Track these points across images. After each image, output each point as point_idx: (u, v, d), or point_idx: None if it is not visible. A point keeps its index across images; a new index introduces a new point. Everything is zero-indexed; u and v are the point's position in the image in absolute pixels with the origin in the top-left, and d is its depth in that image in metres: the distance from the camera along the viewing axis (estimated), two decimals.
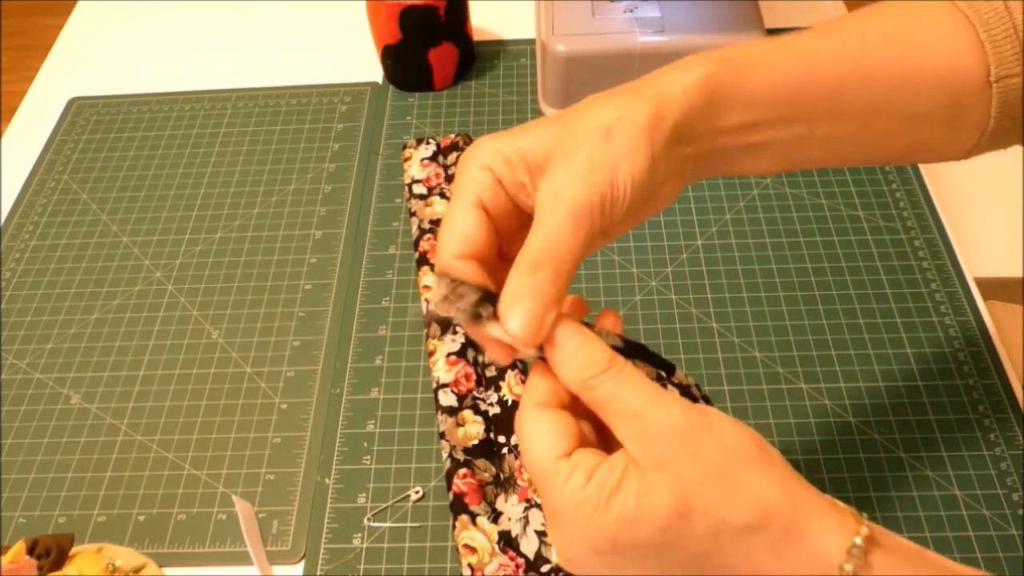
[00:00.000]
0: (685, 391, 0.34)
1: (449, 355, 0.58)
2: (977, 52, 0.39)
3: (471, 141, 0.72)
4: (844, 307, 0.62)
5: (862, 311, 0.61)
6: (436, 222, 0.67)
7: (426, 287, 0.64)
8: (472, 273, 0.35)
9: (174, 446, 0.57)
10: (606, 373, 0.32)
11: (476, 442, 0.54)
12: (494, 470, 0.53)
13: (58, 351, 0.63)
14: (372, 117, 0.78)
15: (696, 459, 0.31)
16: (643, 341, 0.60)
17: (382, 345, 0.62)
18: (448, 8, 0.75)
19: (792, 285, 0.63)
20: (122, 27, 0.91)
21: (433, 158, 0.72)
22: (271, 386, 0.60)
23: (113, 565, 0.50)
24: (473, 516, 0.51)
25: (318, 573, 0.51)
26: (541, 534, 0.50)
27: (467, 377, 0.57)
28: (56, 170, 0.76)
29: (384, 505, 0.53)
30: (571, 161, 0.34)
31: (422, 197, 0.69)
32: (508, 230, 0.37)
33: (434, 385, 0.57)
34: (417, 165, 0.72)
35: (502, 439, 0.54)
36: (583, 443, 0.33)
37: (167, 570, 0.52)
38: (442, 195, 0.69)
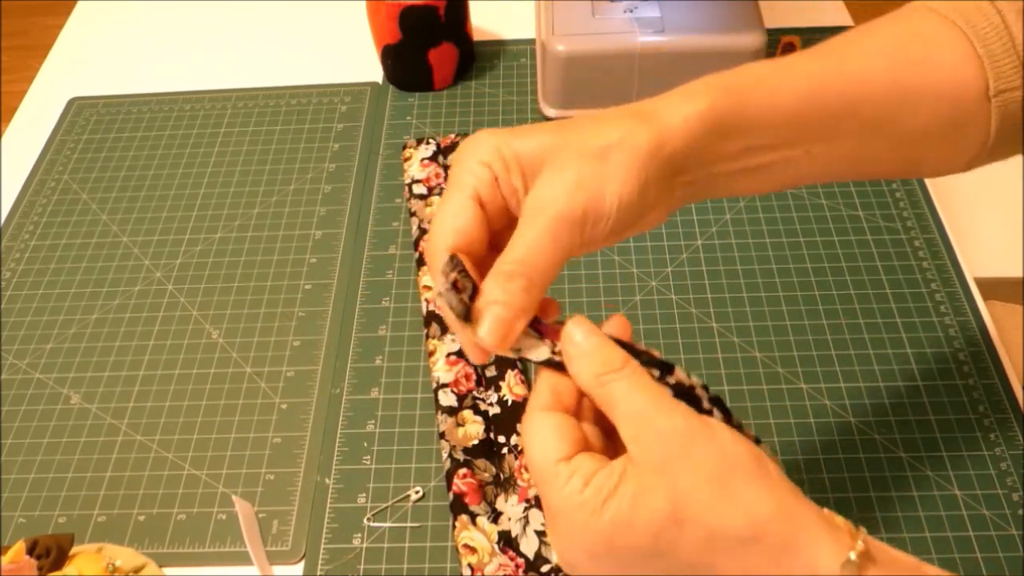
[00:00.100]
0: (687, 391, 0.34)
1: (449, 355, 0.58)
2: (975, 67, 0.39)
3: None
4: (844, 307, 0.62)
5: (862, 311, 0.61)
6: None
7: (426, 287, 0.64)
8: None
9: (174, 446, 0.57)
10: (619, 372, 0.33)
11: (476, 442, 0.54)
12: (494, 470, 0.53)
13: (58, 351, 0.63)
14: (372, 117, 0.78)
15: (694, 466, 0.31)
16: (643, 341, 0.60)
17: (382, 345, 0.62)
18: (448, 8, 0.75)
19: (792, 285, 0.63)
20: (122, 27, 0.91)
21: (433, 158, 0.72)
22: (271, 386, 0.60)
23: (113, 565, 0.50)
24: (473, 516, 0.51)
25: (318, 573, 0.51)
26: (541, 534, 0.50)
27: (467, 377, 0.57)
28: (56, 170, 0.76)
29: (384, 505, 0.53)
30: (561, 176, 0.34)
31: (422, 197, 0.69)
32: (498, 226, 0.37)
33: (434, 385, 0.57)
34: (417, 165, 0.72)
35: (502, 439, 0.54)
36: (588, 448, 0.34)
37: (167, 570, 0.52)
38: (442, 195, 0.69)
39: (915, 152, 0.41)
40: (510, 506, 0.51)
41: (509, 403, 0.56)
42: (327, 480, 0.55)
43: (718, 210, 0.68)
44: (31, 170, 0.77)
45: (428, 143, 0.73)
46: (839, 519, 0.32)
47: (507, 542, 0.50)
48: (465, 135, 0.74)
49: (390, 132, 0.76)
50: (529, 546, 0.50)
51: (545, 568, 0.49)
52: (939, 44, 0.39)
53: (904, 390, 0.57)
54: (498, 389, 0.57)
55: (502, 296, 0.33)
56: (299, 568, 0.52)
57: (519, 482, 0.53)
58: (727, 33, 0.71)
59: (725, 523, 0.30)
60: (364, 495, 0.54)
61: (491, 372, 0.58)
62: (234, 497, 0.53)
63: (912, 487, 0.52)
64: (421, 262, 0.65)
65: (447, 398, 0.56)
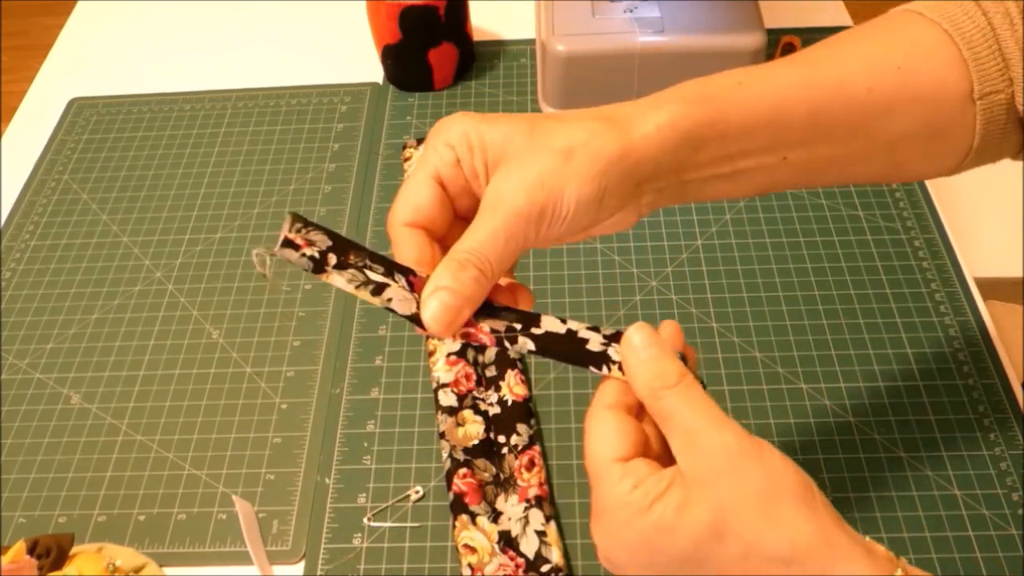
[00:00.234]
0: (570, 336, 0.36)
1: (449, 355, 0.58)
2: (959, 70, 0.39)
3: None
4: (844, 307, 0.62)
5: (862, 311, 0.61)
6: None
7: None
8: (418, 243, 0.37)
9: (174, 446, 0.57)
10: (674, 388, 0.33)
11: (476, 442, 0.54)
12: (494, 470, 0.53)
13: (58, 351, 0.63)
14: (372, 117, 0.78)
15: (740, 484, 0.32)
16: None
17: (382, 345, 0.62)
18: (448, 8, 0.75)
19: (792, 285, 0.63)
20: (122, 27, 0.91)
21: None
22: (271, 386, 0.60)
23: (113, 565, 0.50)
24: (473, 516, 0.51)
25: (318, 573, 0.51)
26: (541, 534, 0.50)
27: (467, 377, 0.57)
28: (56, 170, 0.76)
29: (384, 505, 0.53)
30: (522, 171, 0.35)
31: None
32: (464, 204, 0.38)
33: (434, 385, 0.57)
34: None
35: (502, 439, 0.54)
36: (646, 451, 0.34)
37: (167, 570, 0.52)
38: None
39: (895, 157, 0.41)
40: (510, 506, 0.51)
41: (509, 403, 0.56)
42: (327, 480, 0.55)
43: (718, 210, 0.68)
44: (31, 170, 0.77)
45: None
46: (880, 548, 0.32)
47: (507, 542, 0.50)
48: None
49: (390, 132, 0.76)
50: (529, 546, 0.50)
51: (545, 568, 0.49)
52: (923, 48, 0.39)
53: (904, 390, 0.57)
54: (498, 389, 0.57)
55: (452, 284, 0.34)
56: (299, 568, 0.52)
57: (519, 482, 0.53)
58: (727, 33, 0.71)
59: (765, 543, 0.31)
60: (364, 495, 0.54)
61: (491, 372, 0.58)
62: (234, 497, 0.53)
63: (912, 487, 0.52)
64: None
65: (447, 398, 0.56)
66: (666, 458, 0.34)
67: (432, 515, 0.53)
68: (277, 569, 0.52)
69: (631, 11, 0.73)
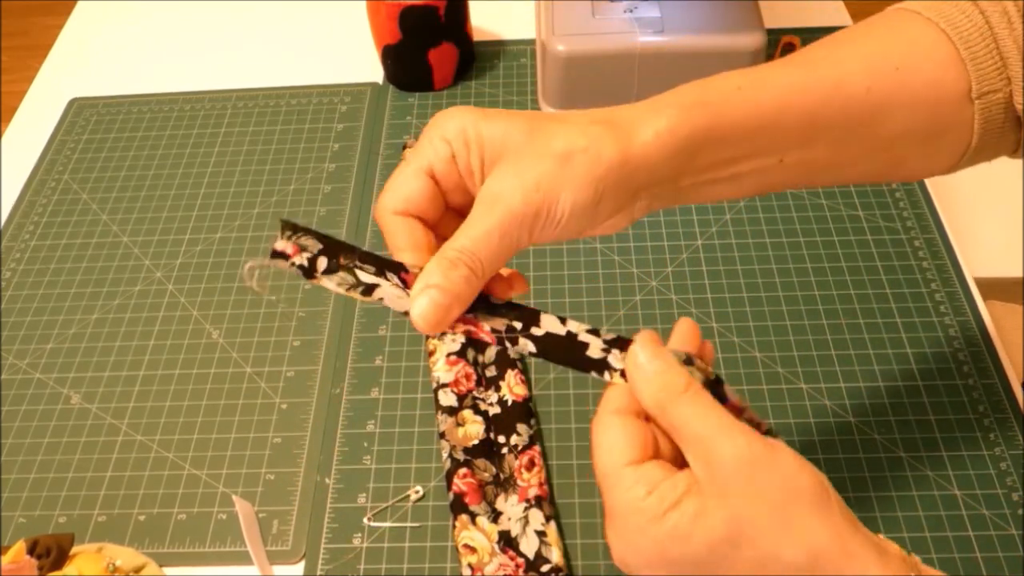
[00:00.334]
0: (568, 340, 0.36)
1: (449, 355, 0.58)
2: (957, 70, 0.39)
3: None
4: (844, 307, 0.62)
5: (862, 311, 0.61)
6: None
7: None
8: (411, 228, 0.36)
9: (174, 446, 0.57)
10: (681, 396, 0.33)
11: (476, 442, 0.54)
12: (494, 470, 0.53)
13: (58, 351, 0.63)
14: (372, 117, 0.78)
15: (755, 493, 0.32)
16: None
17: (382, 345, 0.62)
18: (448, 8, 0.75)
19: (792, 285, 0.63)
20: (122, 27, 0.91)
21: None
22: (271, 386, 0.60)
23: (113, 565, 0.50)
24: (473, 516, 0.51)
25: (318, 573, 0.51)
26: (541, 534, 0.50)
27: (467, 377, 0.57)
28: (56, 170, 0.76)
29: (384, 505, 0.53)
30: (519, 173, 0.35)
31: None
32: (458, 200, 0.38)
33: (434, 385, 0.57)
34: None
35: (502, 439, 0.54)
36: (657, 453, 0.34)
37: (167, 570, 0.52)
38: None
39: (892, 157, 0.41)
40: (510, 506, 0.51)
41: (509, 403, 0.56)
42: (327, 480, 0.55)
43: (718, 210, 0.68)
44: (31, 170, 0.77)
45: None
46: (893, 547, 0.33)
47: (507, 542, 0.50)
48: None
49: (390, 132, 0.76)
50: (529, 546, 0.50)
51: (545, 568, 0.49)
52: (921, 48, 0.39)
53: (904, 390, 0.57)
54: (498, 389, 0.57)
55: (442, 282, 0.34)
56: (299, 568, 0.52)
57: (519, 482, 0.53)
58: (727, 33, 0.71)
59: (781, 550, 0.31)
60: (364, 495, 0.54)
61: (491, 372, 0.58)
62: (234, 497, 0.53)
63: (912, 487, 0.52)
64: None
65: (447, 398, 0.56)
66: (679, 458, 0.35)
67: (432, 515, 0.53)
68: (277, 569, 0.52)
69: (631, 11, 0.73)
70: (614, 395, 0.35)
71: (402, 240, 0.37)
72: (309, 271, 0.35)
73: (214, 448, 0.57)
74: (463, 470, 0.52)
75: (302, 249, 0.35)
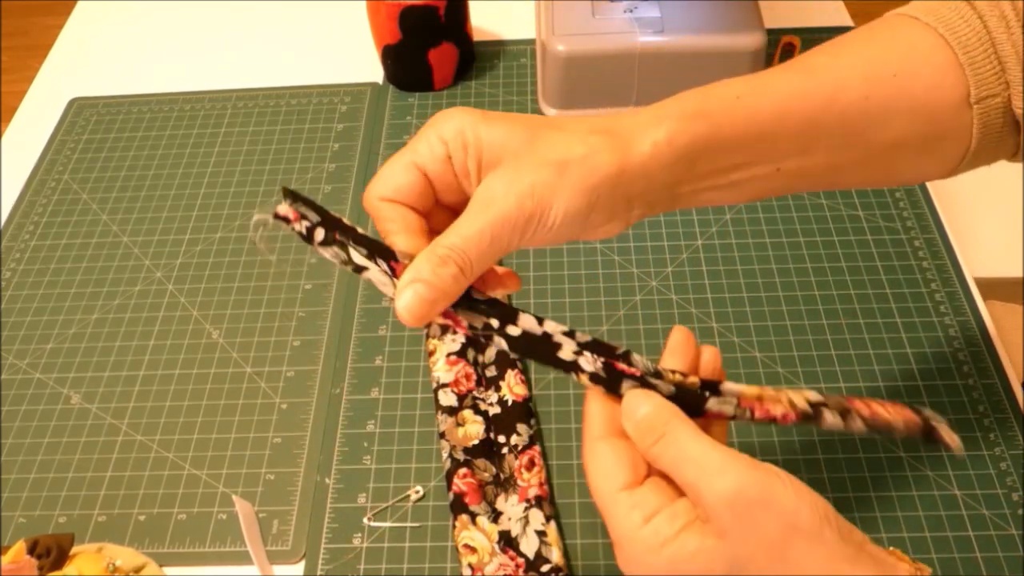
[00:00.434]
0: (542, 340, 0.36)
1: (449, 355, 0.58)
2: (956, 75, 0.39)
3: None
4: (844, 307, 0.62)
5: (862, 311, 0.61)
6: None
7: None
8: (402, 214, 0.37)
9: (174, 446, 0.57)
10: (662, 441, 0.34)
11: (476, 442, 0.54)
12: (494, 470, 0.53)
13: (58, 351, 0.63)
14: (372, 117, 0.78)
15: (754, 533, 0.32)
16: (643, 341, 0.60)
17: (382, 345, 0.62)
18: (448, 8, 0.75)
19: (792, 285, 0.63)
20: (122, 27, 0.91)
21: None
22: (271, 386, 0.60)
23: (113, 565, 0.50)
24: (473, 516, 0.51)
25: (318, 573, 0.51)
26: (541, 534, 0.50)
27: (467, 377, 0.57)
28: (56, 170, 0.76)
29: (384, 505, 0.53)
30: (515, 178, 0.35)
31: None
32: (450, 198, 0.38)
33: (434, 385, 0.57)
34: None
35: (502, 439, 0.54)
36: (650, 471, 0.35)
37: (167, 570, 0.52)
38: None
39: (890, 163, 0.41)
40: (510, 506, 0.51)
41: (509, 403, 0.56)
42: (327, 480, 0.55)
43: (718, 210, 0.68)
44: (31, 170, 0.77)
45: None
46: (903, 567, 0.33)
47: (507, 542, 0.50)
48: None
49: (390, 132, 0.76)
50: (529, 546, 0.50)
51: (545, 568, 0.49)
52: (919, 53, 0.39)
53: (904, 390, 0.57)
54: (498, 389, 0.57)
55: (430, 277, 0.34)
56: (299, 568, 0.52)
57: (519, 482, 0.53)
58: (727, 33, 0.71)
59: None
60: (364, 495, 0.54)
61: (491, 372, 0.58)
62: (234, 497, 0.53)
63: (912, 487, 0.52)
64: None
65: (447, 398, 0.56)
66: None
67: (432, 515, 0.53)
68: (277, 569, 0.52)
69: (631, 11, 0.73)
70: (594, 422, 0.36)
71: (394, 224, 0.37)
72: (307, 238, 0.36)
73: (214, 448, 0.57)
74: (463, 470, 0.52)
75: (302, 217, 0.36)
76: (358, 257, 0.36)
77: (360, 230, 0.36)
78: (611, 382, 0.36)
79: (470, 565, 0.49)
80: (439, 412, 0.56)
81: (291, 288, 0.66)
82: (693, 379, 0.36)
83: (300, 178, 0.74)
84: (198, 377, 0.61)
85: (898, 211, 0.67)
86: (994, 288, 0.75)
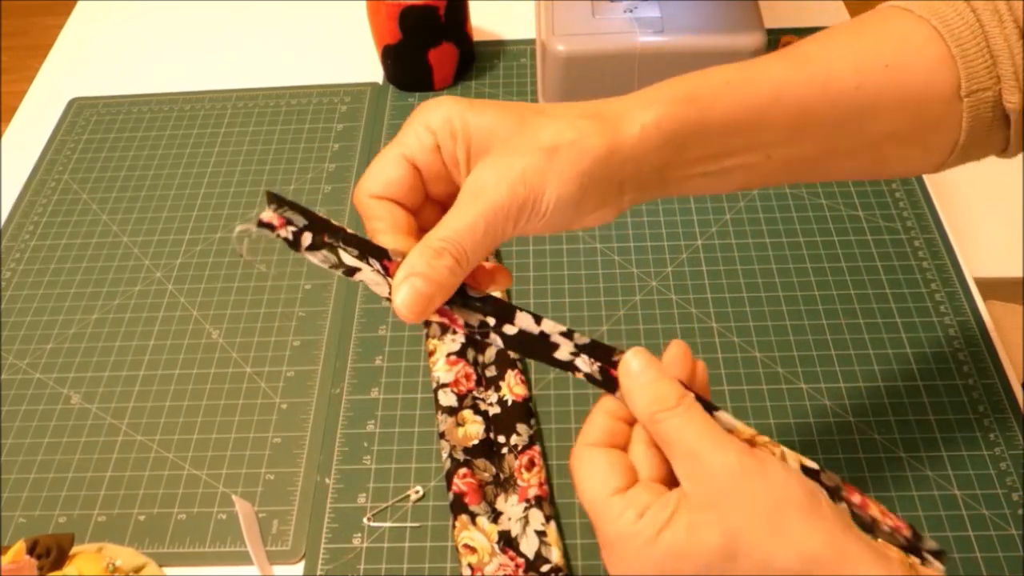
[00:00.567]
0: (539, 338, 0.36)
1: (449, 355, 0.58)
2: (948, 68, 0.39)
3: None
4: (844, 307, 0.62)
5: (862, 311, 0.61)
6: None
7: None
8: (391, 211, 0.36)
9: (174, 446, 0.57)
10: (673, 410, 0.33)
11: (476, 442, 0.54)
12: (494, 470, 0.53)
13: (58, 351, 0.63)
14: (372, 117, 0.78)
15: (746, 502, 0.32)
16: (643, 341, 0.60)
17: (382, 345, 0.62)
18: (448, 8, 0.75)
19: (792, 285, 0.63)
20: (122, 27, 0.91)
21: None
22: (271, 386, 0.60)
23: (113, 565, 0.50)
24: (473, 516, 0.51)
25: (318, 573, 0.51)
26: (541, 534, 0.50)
27: (467, 377, 0.57)
28: (56, 170, 0.76)
29: (384, 505, 0.53)
30: (505, 165, 0.35)
31: None
32: (440, 190, 0.38)
33: (434, 385, 0.57)
34: None
35: (502, 439, 0.54)
36: (638, 479, 0.34)
37: (167, 570, 0.52)
38: None
39: (880, 154, 0.41)
40: (510, 506, 0.51)
41: (509, 403, 0.56)
42: (327, 480, 0.55)
43: (718, 210, 0.68)
44: (31, 170, 0.77)
45: None
46: (894, 552, 0.33)
47: (507, 542, 0.50)
48: None
49: (390, 132, 0.76)
50: (529, 546, 0.50)
51: (545, 568, 0.49)
52: (912, 45, 0.39)
53: (904, 390, 0.57)
54: (498, 389, 0.57)
55: (426, 271, 0.34)
56: (299, 568, 0.52)
57: (519, 482, 0.53)
58: (727, 33, 0.71)
59: (776, 558, 0.31)
60: (364, 495, 0.54)
61: (491, 372, 0.58)
62: (234, 497, 0.53)
63: (912, 487, 0.52)
64: None
65: (447, 398, 0.56)
66: (665, 480, 0.35)
67: (432, 515, 0.53)
68: (277, 569, 0.52)
69: (631, 11, 0.73)
70: (591, 429, 0.36)
71: (383, 223, 0.36)
72: (294, 244, 0.35)
73: (214, 448, 0.57)
74: (463, 470, 0.52)
75: (288, 222, 0.35)
76: (349, 259, 0.35)
77: (350, 231, 0.36)
78: (606, 387, 0.36)
79: (470, 565, 0.49)
80: (439, 412, 0.56)
81: (291, 288, 0.66)
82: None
83: (300, 178, 0.74)
84: (198, 377, 0.61)
85: (898, 211, 0.67)
86: (994, 288, 0.75)
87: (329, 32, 0.88)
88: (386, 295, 0.35)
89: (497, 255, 0.66)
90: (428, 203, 0.39)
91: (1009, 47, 0.38)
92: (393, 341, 0.62)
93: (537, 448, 0.54)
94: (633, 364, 0.35)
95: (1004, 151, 0.41)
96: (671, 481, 0.34)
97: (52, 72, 0.87)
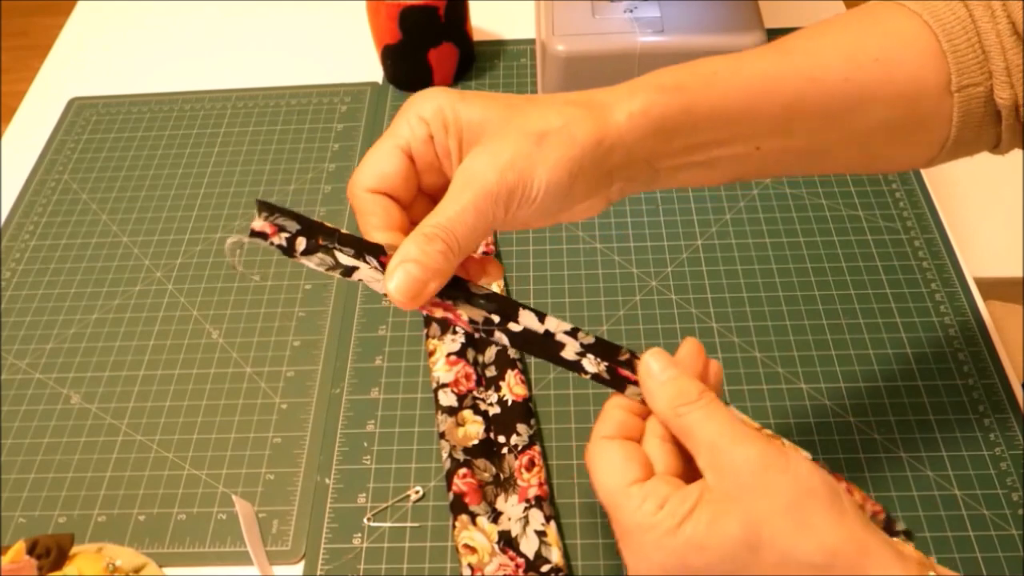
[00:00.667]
0: (545, 337, 0.36)
1: (449, 355, 0.58)
2: (938, 62, 0.39)
3: None
4: (844, 307, 0.62)
5: (862, 311, 0.61)
6: None
7: None
8: (385, 206, 0.36)
9: (174, 446, 0.57)
10: (695, 403, 0.34)
11: (476, 442, 0.54)
12: (494, 470, 0.53)
13: (58, 351, 0.63)
14: (372, 117, 0.78)
15: (768, 494, 0.32)
16: (643, 341, 0.60)
17: (382, 345, 0.62)
18: (448, 8, 0.75)
19: (792, 285, 0.63)
20: (122, 27, 0.91)
21: None
22: (271, 386, 0.60)
23: (113, 565, 0.50)
24: (473, 516, 0.51)
25: (318, 573, 0.51)
26: (541, 534, 0.50)
27: (467, 377, 0.57)
28: (56, 170, 0.76)
29: (384, 505, 0.53)
30: (495, 152, 0.35)
31: None
32: (432, 181, 0.38)
33: (434, 385, 0.57)
34: None
35: (502, 439, 0.54)
36: (670, 471, 0.35)
37: (167, 570, 0.52)
38: None
39: (869, 148, 0.41)
40: (510, 506, 0.51)
41: (509, 403, 0.56)
42: (327, 480, 0.55)
43: (718, 210, 0.68)
44: (31, 170, 0.77)
45: None
46: (909, 549, 0.33)
47: (507, 542, 0.50)
48: None
49: None
50: (529, 546, 0.50)
51: (545, 568, 0.49)
52: (903, 39, 0.39)
53: (904, 390, 0.57)
54: (498, 389, 0.57)
55: (419, 256, 0.34)
56: (299, 568, 0.52)
57: (519, 482, 0.53)
58: (727, 33, 0.71)
59: (798, 550, 0.31)
60: (364, 495, 0.54)
61: (491, 372, 0.58)
62: (234, 497, 0.53)
63: (912, 487, 0.52)
64: None
65: (447, 398, 0.56)
66: (686, 476, 0.35)
67: (432, 515, 0.53)
68: (277, 569, 0.52)
69: (631, 11, 0.73)
70: (606, 423, 0.36)
71: (376, 219, 0.36)
72: (288, 251, 0.35)
73: (214, 448, 0.57)
74: (463, 470, 0.52)
75: (280, 229, 0.35)
76: (345, 258, 0.35)
77: (344, 230, 0.36)
78: (615, 386, 0.36)
79: (470, 565, 0.49)
80: (439, 412, 0.56)
81: (291, 288, 0.66)
82: None
83: (300, 178, 0.74)
84: (198, 377, 0.61)
85: (898, 211, 0.67)
86: (994, 288, 0.75)
87: (329, 32, 0.88)
88: (384, 291, 0.35)
89: (497, 255, 0.66)
90: (420, 197, 0.39)
91: (1001, 43, 0.38)
92: (393, 341, 0.62)
93: (537, 448, 0.54)
94: (653, 365, 0.35)
95: (996, 147, 0.41)
96: (685, 476, 0.34)
97: (52, 72, 0.87)
